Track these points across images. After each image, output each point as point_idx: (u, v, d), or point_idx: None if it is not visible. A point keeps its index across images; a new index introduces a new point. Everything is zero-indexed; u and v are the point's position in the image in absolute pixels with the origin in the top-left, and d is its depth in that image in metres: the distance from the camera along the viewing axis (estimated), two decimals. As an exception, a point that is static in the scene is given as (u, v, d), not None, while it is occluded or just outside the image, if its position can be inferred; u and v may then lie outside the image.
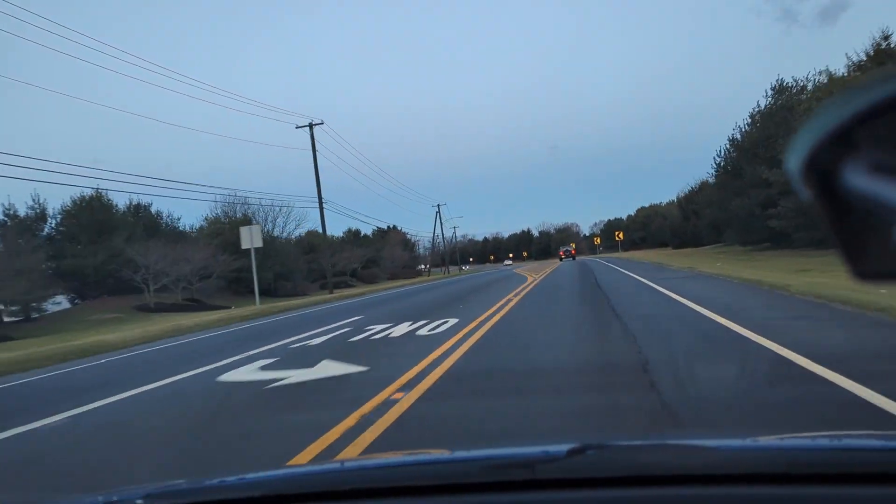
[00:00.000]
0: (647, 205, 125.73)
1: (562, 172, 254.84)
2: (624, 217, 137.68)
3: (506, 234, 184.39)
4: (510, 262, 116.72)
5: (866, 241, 0.47)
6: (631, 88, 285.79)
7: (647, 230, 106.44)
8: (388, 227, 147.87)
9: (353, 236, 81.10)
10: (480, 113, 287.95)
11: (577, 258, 71.84)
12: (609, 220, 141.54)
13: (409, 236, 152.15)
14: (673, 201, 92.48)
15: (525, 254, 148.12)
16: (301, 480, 1.42)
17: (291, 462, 3.67)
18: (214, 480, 1.44)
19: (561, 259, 73.53)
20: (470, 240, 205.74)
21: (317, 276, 72.79)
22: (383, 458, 2.01)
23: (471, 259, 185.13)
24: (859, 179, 0.44)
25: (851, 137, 0.45)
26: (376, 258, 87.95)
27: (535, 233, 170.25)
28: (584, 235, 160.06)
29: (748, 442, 1.48)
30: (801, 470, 1.12)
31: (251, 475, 1.48)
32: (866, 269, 0.49)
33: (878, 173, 0.43)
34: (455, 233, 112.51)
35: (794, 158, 0.49)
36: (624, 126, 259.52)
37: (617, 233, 63.31)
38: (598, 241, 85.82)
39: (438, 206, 76.32)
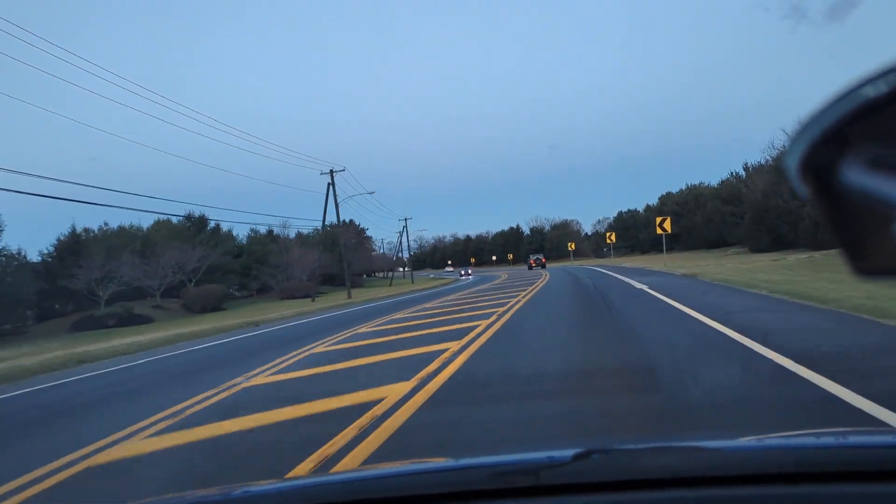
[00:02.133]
0: (676, 189, 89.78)
1: (559, 164, 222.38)
2: (641, 208, 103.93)
3: (493, 232, 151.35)
4: (451, 268, 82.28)
5: (867, 237, 0.47)
6: (634, 76, 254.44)
7: (682, 224, 72.31)
8: (343, 221, 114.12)
9: (194, 228, 47.13)
10: (463, 98, 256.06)
11: (580, 266, 48.08)
12: (621, 213, 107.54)
13: (366, 234, 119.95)
14: (736, 175, 58.62)
15: (511, 256, 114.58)
16: (308, 492, 1.41)
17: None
18: (218, 495, 1.42)
19: (531, 268, 62.58)
20: (455, 239, 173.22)
21: (84, 301, 39.36)
22: (386, 468, 1.87)
23: (449, 262, 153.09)
24: (857, 176, 0.44)
25: (848, 134, 0.44)
26: (258, 267, 54.37)
27: (526, 230, 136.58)
28: (586, 234, 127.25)
29: (753, 442, 1.45)
30: (808, 469, 1.11)
31: (255, 488, 1.45)
32: (868, 266, 0.48)
33: (876, 169, 0.43)
34: (406, 227, 78.80)
35: (792, 156, 0.48)
36: (629, 115, 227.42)
37: (660, 219, 27.96)
38: (612, 238, 51.78)
39: (332, 171, 41.94)
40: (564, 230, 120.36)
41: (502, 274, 56.83)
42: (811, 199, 0.49)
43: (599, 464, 1.23)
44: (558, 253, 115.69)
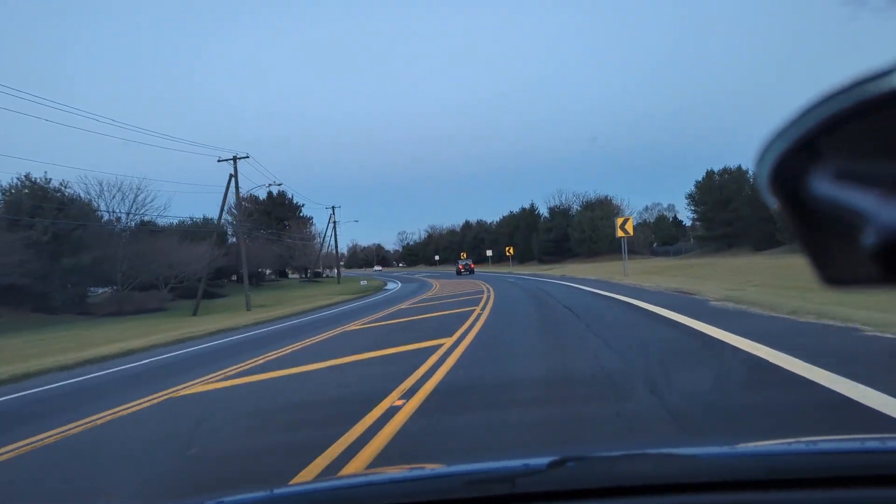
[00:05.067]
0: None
1: (600, 148, 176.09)
2: (746, 165, 57.22)
3: (498, 218, 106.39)
4: (379, 267, 61.75)
5: (834, 248, 0.47)
6: (680, 60, 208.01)
7: None
8: (279, 193, 72.02)
9: None
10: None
11: (641, 287, 12.22)
12: (712, 174, 60.33)
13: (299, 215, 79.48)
14: None
15: (510, 251, 68.91)
16: (288, 502, 1.42)
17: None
18: (210, 502, 1.44)
19: (459, 273, 56.87)
20: (448, 230, 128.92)
21: None
22: (363, 477, 1.83)
23: (436, 258, 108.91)
24: (825, 187, 0.44)
25: (816, 146, 0.45)
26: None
27: (544, 211, 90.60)
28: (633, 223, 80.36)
29: (726, 449, 1.48)
30: (779, 475, 1.13)
31: (228, 498, 1.46)
32: (835, 275, 0.48)
33: (843, 181, 0.43)
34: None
35: (762, 167, 0.48)
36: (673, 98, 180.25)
37: None
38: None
39: None
40: (602, 210, 73.85)
41: (434, 283, 38.06)
42: (780, 209, 0.49)
43: (575, 471, 1.23)
44: (590, 248, 69.36)
